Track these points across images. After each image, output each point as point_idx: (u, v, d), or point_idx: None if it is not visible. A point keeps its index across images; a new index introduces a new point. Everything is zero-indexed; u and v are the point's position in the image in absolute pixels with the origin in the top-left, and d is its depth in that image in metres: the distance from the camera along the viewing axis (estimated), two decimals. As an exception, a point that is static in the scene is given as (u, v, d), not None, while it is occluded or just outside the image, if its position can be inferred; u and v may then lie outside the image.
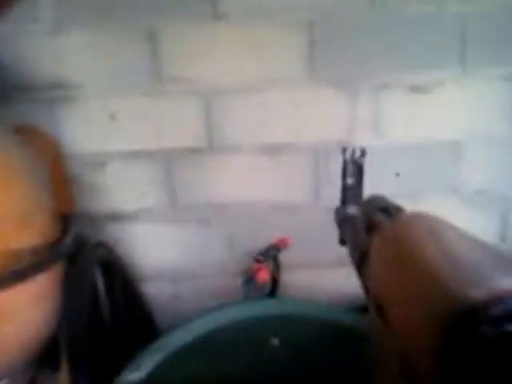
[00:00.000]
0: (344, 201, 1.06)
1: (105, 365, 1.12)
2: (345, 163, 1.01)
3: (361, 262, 0.67)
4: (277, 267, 1.39)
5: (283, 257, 1.45)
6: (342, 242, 0.95)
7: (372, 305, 0.58)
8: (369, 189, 1.45)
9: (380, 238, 0.60)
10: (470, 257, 0.44)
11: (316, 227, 1.45)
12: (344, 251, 1.53)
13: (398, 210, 0.72)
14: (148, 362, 1.14)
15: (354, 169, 1.04)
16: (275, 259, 1.39)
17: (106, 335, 1.27)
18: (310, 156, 1.43)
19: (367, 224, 0.71)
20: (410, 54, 1.37)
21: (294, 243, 1.44)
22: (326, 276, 1.51)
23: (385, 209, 0.73)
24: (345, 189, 1.03)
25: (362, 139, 1.41)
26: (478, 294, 0.36)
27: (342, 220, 0.97)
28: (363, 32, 1.36)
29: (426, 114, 1.41)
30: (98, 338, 1.20)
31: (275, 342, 1.18)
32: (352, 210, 1.03)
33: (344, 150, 0.96)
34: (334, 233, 1.49)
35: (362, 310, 1.41)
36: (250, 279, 1.33)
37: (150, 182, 1.44)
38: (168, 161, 1.43)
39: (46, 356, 1.06)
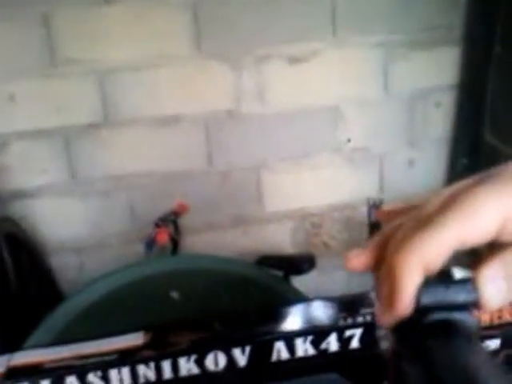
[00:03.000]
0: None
1: (14, 336, 1.17)
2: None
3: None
4: (177, 230, 1.49)
5: (184, 222, 1.55)
6: None
7: None
8: (262, 152, 1.58)
9: None
10: None
11: (211, 191, 1.57)
12: (239, 211, 1.66)
13: None
14: (55, 324, 1.19)
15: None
16: (175, 223, 1.49)
17: (14, 308, 1.32)
18: (202, 125, 1.53)
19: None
20: (287, 28, 1.49)
21: (193, 208, 1.55)
22: (224, 235, 1.63)
23: None
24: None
25: (248, 108, 1.53)
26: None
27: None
28: (243, 8, 1.46)
29: (306, 82, 1.54)
30: (6, 310, 1.25)
31: (175, 295, 1.28)
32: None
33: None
34: (227, 195, 1.61)
35: (258, 262, 1.54)
36: (150, 243, 1.42)
37: (50, 158, 1.50)
38: (67, 137, 1.49)
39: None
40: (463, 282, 0.27)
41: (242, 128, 1.54)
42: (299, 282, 1.35)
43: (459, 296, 0.27)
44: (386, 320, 0.27)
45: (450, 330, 0.27)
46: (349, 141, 1.61)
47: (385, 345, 0.30)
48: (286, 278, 1.42)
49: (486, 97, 1.54)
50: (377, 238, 0.30)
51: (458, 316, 0.27)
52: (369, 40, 1.53)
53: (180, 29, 1.46)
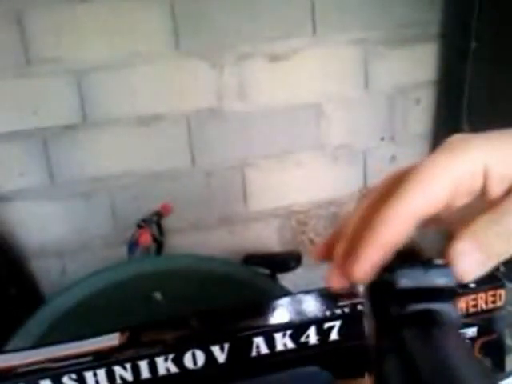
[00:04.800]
0: None
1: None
2: None
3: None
4: (160, 231, 1.47)
5: (168, 222, 1.53)
6: None
7: None
8: (245, 150, 1.57)
9: None
10: None
11: (195, 191, 1.55)
12: (224, 210, 1.64)
13: None
14: (35, 328, 1.17)
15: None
16: (158, 224, 1.47)
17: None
18: (183, 124, 1.52)
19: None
20: (267, 26, 1.48)
21: (177, 208, 1.53)
22: (209, 235, 1.62)
23: None
24: None
25: (230, 106, 1.52)
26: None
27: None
28: (223, 5, 1.45)
29: (287, 80, 1.53)
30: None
31: (158, 296, 1.26)
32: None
33: None
34: (212, 194, 1.60)
35: (244, 261, 1.53)
36: (133, 245, 1.40)
37: (27, 161, 1.47)
38: (44, 139, 1.47)
39: None
40: (443, 266, 0.26)
41: (225, 126, 1.53)
42: (286, 280, 1.34)
43: (438, 279, 0.26)
44: (336, 283, 0.28)
45: (429, 320, 0.26)
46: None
47: (368, 337, 0.29)
48: (273, 275, 1.41)
49: (464, 93, 1.54)
50: (337, 226, 0.30)
51: (438, 306, 0.26)
52: (348, 37, 1.53)
53: (157, 26, 1.44)
